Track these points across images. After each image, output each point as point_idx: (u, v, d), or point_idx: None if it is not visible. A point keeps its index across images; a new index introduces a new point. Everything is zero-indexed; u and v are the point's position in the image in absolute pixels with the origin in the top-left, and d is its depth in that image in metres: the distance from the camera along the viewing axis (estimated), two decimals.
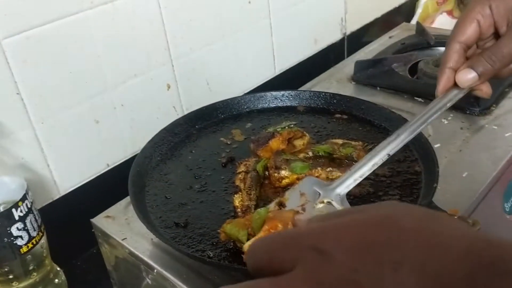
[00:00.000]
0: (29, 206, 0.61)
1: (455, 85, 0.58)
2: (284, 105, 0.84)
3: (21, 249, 0.60)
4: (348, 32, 1.19)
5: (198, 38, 0.87)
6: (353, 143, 0.69)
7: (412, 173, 0.65)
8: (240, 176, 0.66)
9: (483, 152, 0.75)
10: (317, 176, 0.63)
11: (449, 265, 0.25)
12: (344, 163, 0.67)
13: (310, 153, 0.69)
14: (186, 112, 0.85)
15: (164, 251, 0.62)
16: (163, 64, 0.82)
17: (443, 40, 0.90)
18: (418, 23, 1.16)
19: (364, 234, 0.27)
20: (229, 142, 0.76)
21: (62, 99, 0.71)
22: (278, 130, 0.72)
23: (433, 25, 1.41)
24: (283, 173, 0.64)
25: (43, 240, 0.64)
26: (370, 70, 1.00)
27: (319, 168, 0.64)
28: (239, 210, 0.61)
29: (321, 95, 0.83)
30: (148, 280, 0.63)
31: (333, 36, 1.16)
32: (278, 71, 1.04)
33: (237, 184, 0.65)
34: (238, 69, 0.96)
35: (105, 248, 0.69)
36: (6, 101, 0.65)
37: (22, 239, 0.60)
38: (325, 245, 0.27)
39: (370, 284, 0.26)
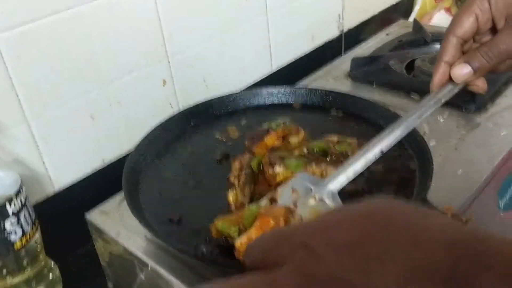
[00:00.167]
0: (23, 201, 0.61)
1: (451, 79, 0.58)
2: (280, 102, 0.84)
3: (14, 245, 0.60)
4: (345, 29, 1.19)
5: (194, 34, 0.86)
6: (348, 140, 0.69)
7: (407, 170, 0.65)
8: (234, 172, 0.66)
9: (478, 150, 0.75)
10: (312, 173, 0.63)
11: (433, 257, 0.26)
12: (339, 160, 0.66)
13: (305, 150, 0.68)
14: (182, 109, 0.84)
15: (158, 247, 0.62)
16: (159, 61, 0.82)
17: (440, 37, 0.89)
18: (415, 20, 1.16)
19: (351, 230, 0.28)
20: (224, 139, 0.76)
21: (58, 94, 0.71)
22: (273, 127, 0.72)
23: (431, 22, 1.40)
24: (278, 170, 0.64)
25: (37, 236, 0.64)
26: (366, 67, 1.00)
27: (314, 165, 0.64)
28: (233, 207, 0.61)
29: (317, 92, 0.83)
30: (142, 276, 0.63)
31: (330, 33, 1.16)
32: (275, 68, 1.04)
33: (231, 180, 0.65)
34: (235, 65, 0.96)
35: (99, 244, 0.69)
36: (0, 97, 0.65)
37: (16, 234, 0.60)
38: (314, 242, 0.28)
39: (357, 279, 0.26)
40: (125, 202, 0.62)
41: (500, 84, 0.89)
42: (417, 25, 1.13)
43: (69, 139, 0.74)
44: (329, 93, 0.82)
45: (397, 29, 1.20)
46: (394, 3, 1.30)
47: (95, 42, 0.73)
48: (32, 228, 0.62)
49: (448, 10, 1.46)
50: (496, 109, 0.84)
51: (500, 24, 0.57)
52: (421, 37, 1.10)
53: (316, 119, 0.79)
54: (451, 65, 0.58)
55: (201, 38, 0.88)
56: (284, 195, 0.56)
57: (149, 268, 0.61)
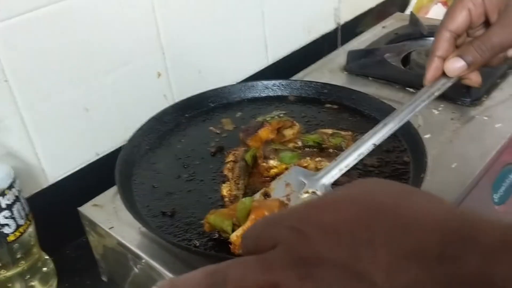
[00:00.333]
0: (16, 194, 0.61)
1: (444, 74, 0.58)
2: (275, 94, 0.84)
3: (8, 238, 0.60)
4: (342, 22, 1.18)
5: (190, 26, 0.86)
6: (342, 133, 0.69)
7: (401, 163, 0.65)
8: (228, 165, 0.66)
9: (473, 143, 0.75)
10: (305, 166, 0.63)
11: (421, 239, 0.26)
12: (333, 153, 0.66)
13: (300, 143, 0.69)
14: (177, 101, 0.84)
15: (152, 240, 0.61)
16: (154, 53, 0.82)
17: (436, 30, 0.89)
18: (411, 13, 1.16)
19: (340, 213, 0.29)
20: (218, 131, 0.76)
21: (51, 86, 0.70)
22: (267, 119, 0.72)
23: (428, 16, 1.40)
24: (272, 162, 0.64)
25: (31, 229, 0.64)
26: (362, 60, 0.99)
27: (308, 158, 0.64)
28: (227, 199, 0.61)
29: (312, 85, 0.83)
30: (136, 269, 0.63)
31: (327, 25, 1.16)
32: (271, 61, 1.04)
33: (225, 173, 0.65)
34: (231, 58, 0.96)
35: (93, 237, 0.69)
36: None
37: (9, 227, 0.60)
38: (303, 225, 0.28)
39: (346, 261, 0.27)
40: (118, 195, 0.62)
41: (495, 78, 0.89)
42: (413, 18, 1.13)
43: (63, 131, 0.74)
44: (324, 85, 0.82)
45: (393, 22, 1.19)
46: None
47: (89, 33, 0.72)
48: (26, 221, 0.62)
49: (445, 3, 1.46)
50: (492, 102, 0.84)
51: (493, 18, 0.57)
52: (417, 30, 1.09)
53: (311, 111, 0.79)
54: (444, 59, 0.58)
55: (196, 30, 0.87)
56: (278, 189, 0.56)
57: (143, 262, 0.60)
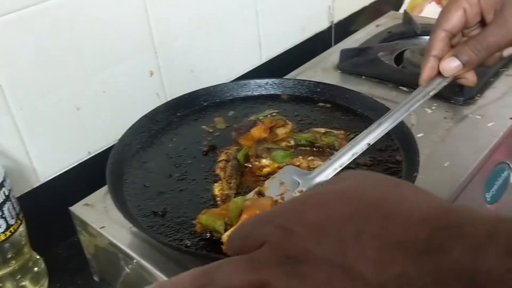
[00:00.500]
0: (6, 193, 0.60)
1: (439, 73, 0.58)
2: (268, 93, 0.84)
3: None
4: (335, 21, 1.18)
5: (182, 25, 0.85)
6: (335, 132, 0.69)
7: (393, 162, 0.65)
8: (220, 164, 0.65)
9: (465, 142, 0.75)
10: (298, 165, 0.62)
11: (408, 231, 0.26)
12: (326, 152, 0.66)
13: (292, 142, 0.68)
14: (169, 99, 0.84)
15: (143, 240, 0.61)
16: (146, 51, 0.81)
17: (430, 29, 0.89)
18: (405, 11, 1.16)
19: (325, 209, 0.29)
20: (211, 130, 0.76)
21: (42, 85, 0.70)
22: (260, 118, 0.72)
23: (422, 14, 1.40)
24: (264, 161, 0.64)
25: (22, 228, 0.63)
26: (355, 58, 0.99)
27: (300, 157, 0.64)
28: (218, 199, 0.61)
29: (305, 84, 0.82)
30: (127, 269, 0.63)
31: (321, 24, 1.15)
32: (264, 59, 1.03)
33: (217, 172, 0.65)
34: (224, 56, 0.95)
35: (84, 237, 0.68)
36: None
37: (0, 227, 0.59)
38: (289, 223, 0.29)
39: (333, 256, 0.27)
40: (109, 194, 0.61)
41: (488, 77, 0.89)
42: (407, 16, 1.13)
43: (54, 130, 0.73)
44: (317, 84, 0.82)
45: (387, 21, 1.19)
46: None
47: (81, 31, 0.72)
48: (17, 221, 0.62)
49: (439, 2, 1.46)
50: (484, 101, 0.84)
51: (489, 18, 0.57)
52: (411, 28, 1.09)
53: (304, 110, 0.79)
54: (439, 59, 0.58)
55: (189, 28, 0.87)
56: (272, 188, 0.56)
57: (134, 261, 0.60)
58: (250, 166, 0.66)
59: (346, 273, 0.26)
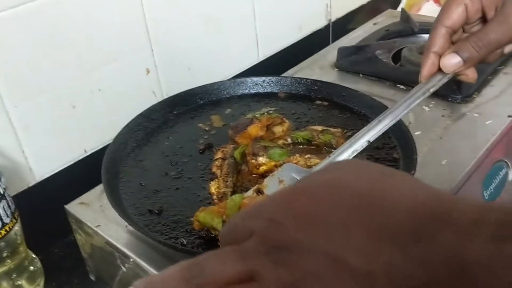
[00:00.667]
0: (1, 192, 0.60)
1: (440, 70, 0.58)
2: (265, 91, 0.83)
3: None
4: (333, 19, 1.18)
5: (179, 22, 0.85)
6: (332, 130, 0.69)
7: (391, 160, 0.65)
8: (217, 162, 0.65)
9: (463, 140, 0.74)
10: (295, 163, 0.62)
11: (396, 219, 0.27)
12: (323, 150, 0.66)
13: (289, 140, 0.68)
14: (165, 97, 0.83)
15: (139, 239, 0.61)
16: (142, 49, 0.81)
17: (427, 27, 0.89)
18: (403, 10, 1.16)
19: (313, 199, 0.29)
20: (207, 128, 0.75)
21: (38, 83, 0.69)
22: (257, 116, 0.71)
23: (420, 13, 1.40)
24: (261, 159, 0.64)
25: (17, 227, 0.63)
26: (353, 57, 0.99)
27: (297, 155, 0.64)
28: (215, 197, 0.61)
29: (302, 82, 0.82)
30: (124, 268, 0.62)
31: (318, 22, 1.15)
32: (262, 57, 1.03)
33: (213, 171, 0.64)
34: (221, 55, 0.95)
35: (80, 236, 0.68)
36: None
37: None
38: (276, 214, 0.29)
39: (321, 245, 0.27)
40: (105, 193, 0.61)
41: (486, 75, 0.89)
42: (404, 14, 1.13)
43: (50, 128, 0.73)
44: (315, 82, 0.82)
45: (384, 19, 1.19)
46: None
47: (77, 29, 0.71)
48: (12, 220, 0.61)
49: (437, 0, 1.46)
50: (482, 99, 0.84)
51: (490, 14, 0.57)
52: (408, 26, 1.09)
53: (301, 108, 0.79)
54: (440, 55, 0.57)
55: (186, 26, 0.86)
56: (271, 186, 0.56)
57: (130, 260, 0.60)
58: (246, 164, 0.65)
59: (333, 262, 0.26)
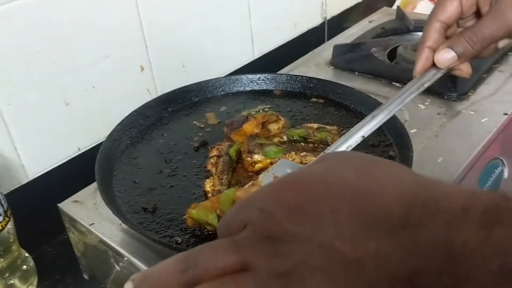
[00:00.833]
0: None
1: (434, 65, 0.57)
2: (260, 88, 0.83)
3: None
4: (328, 16, 1.17)
5: (173, 19, 0.85)
6: (328, 127, 0.69)
7: (386, 157, 0.65)
8: (212, 160, 0.65)
9: (459, 138, 0.74)
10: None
11: (385, 207, 0.27)
12: (319, 148, 0.66)
13: (285, 137, 0.68)
14: (160, 94, 0.83)
15: (133, 237, 0.60)
16: (136, 45, 0.80)
17: (422, 25, 0.88)
18: (398, 7, 1.15)
19: (303, 190, 0.29)
20: (202, 126, 0.75)
21: (30, 80, 0.69)
22: (252, 113, 0.71)
23: (415, 11, 1.40)
24: (257, 157, 0.63)
25: (10, 226, 0.62)
26: (348, 54, 0.99)
27: (293, 153, 0.63)
28: (210, 195, 0.60)
29: (298, 79, 0.82)
30: (117, 267, 0.62)
31: (314, 20, 1.15)
32: (257, 55, 1.03)
33: (208, 168, 0.64)
34: (215, 52, 0.94)
35: (73, 234, 0.67)
36: None
37: None
38: (268, 205, 0.29)
39: (311, 234, 0.27)
40: (99, 191, 0.60)
41: (481, 72, 0.89)
42: (400, 12, 1.12)
43: (43, 126, 0.72)
44: (310, 79, 0.82)
45: (380, 16, 1.18)
46: None
47: (70, 25, 0.71)
48: (4, 218, 0.61)
49: None
50: (478, 97, 0.84)
51: (484, 9, 0.56)
52: (404, 24, 1.09)
53: (297, 106, 0.78)
54: (434, 50, 0.57)
55: (181, 23, 0.86)
56: (266, 182, 0.55)
57: (124, 259, 0.59)
58: (242, 162, 0.65)
59: (324, 250, 0.27)
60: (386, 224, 0.27)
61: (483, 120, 0.78)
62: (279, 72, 0.96)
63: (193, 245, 0.54)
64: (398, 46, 1.00)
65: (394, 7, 1.30)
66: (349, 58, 0.98)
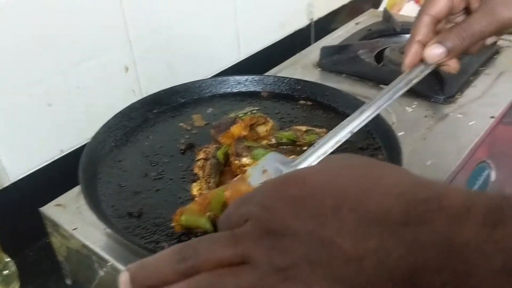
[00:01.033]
0: None
1: (422, 60, 0.57)
2: (248, 90, 0.82)
3: None
4: (315, 18, 1.17)
5: (158, 19, 0.83)
6: (316, 130, 0.68)
7: None
8: (199, 163, 0.64)
9: (447, 141, 0.74)
10: None
11: (387, 204, 0.27)
12: None
13: (273, 140, 0.67)
14: (145, 96, 0.81)
15: (118, 242, 0.59)
16: (121, 46, 0.79)
17: (409, 27, 0.88)
18: (385, 9, 1.16)
19: (305, 186, 0.30)
20: (189, 128, 0.74)
21: (12, 80, 0.67)
22: (240, 115, 0.70)
23: (401, 13, 1.40)
24: (245, 160, 0.62)
25: None
26: (335, 56, 0.98)
27: None
28: (197, 199, 0.59)
29: (285, 81, 0.81)
30: (101, 272, 0.60)
31: (300, 21, 1.14)
32: (243, 56, 1.02)
33: (195, 172, 0.63)
34: (201, 52, 0.93)
35: (56, 239, 0.66)
36: None
37: None
38: (270, 200, 0.30)
39: (312, 229, 0.28)
40: (82, 194, 0.59)
41: (468, 75, 0.89)
42: (387, 14, 1.12)
43: (25, 127, 0.70)
44: (298, 81, 0.81)
45: (366, 18, 1.19)
46: None
47: (53, 25, 0.69)
48: None
49: (417, 1, 1.47)
50: (465, 100, 0.84)
51: (474, 5, 0.57)
52: (390, 26, 1.09)
53: (285, 108, 0.78)
54: (423, 44, 0.57)
55: (166, 23, 0.85)
56: (254, 176, 0.54)
57: (108, 264, 0.58)
58: (229, 164, 0.64)
59: (325, 245, 0.27)
60: (388, 221, 0.27)
61: (470, 123, 0.78)
62: (266, 74, 0.95)
63: None
64: (385, 48, 1.00)
65: (381, 9, 1.30)
66: (336, 60, 0.98)
